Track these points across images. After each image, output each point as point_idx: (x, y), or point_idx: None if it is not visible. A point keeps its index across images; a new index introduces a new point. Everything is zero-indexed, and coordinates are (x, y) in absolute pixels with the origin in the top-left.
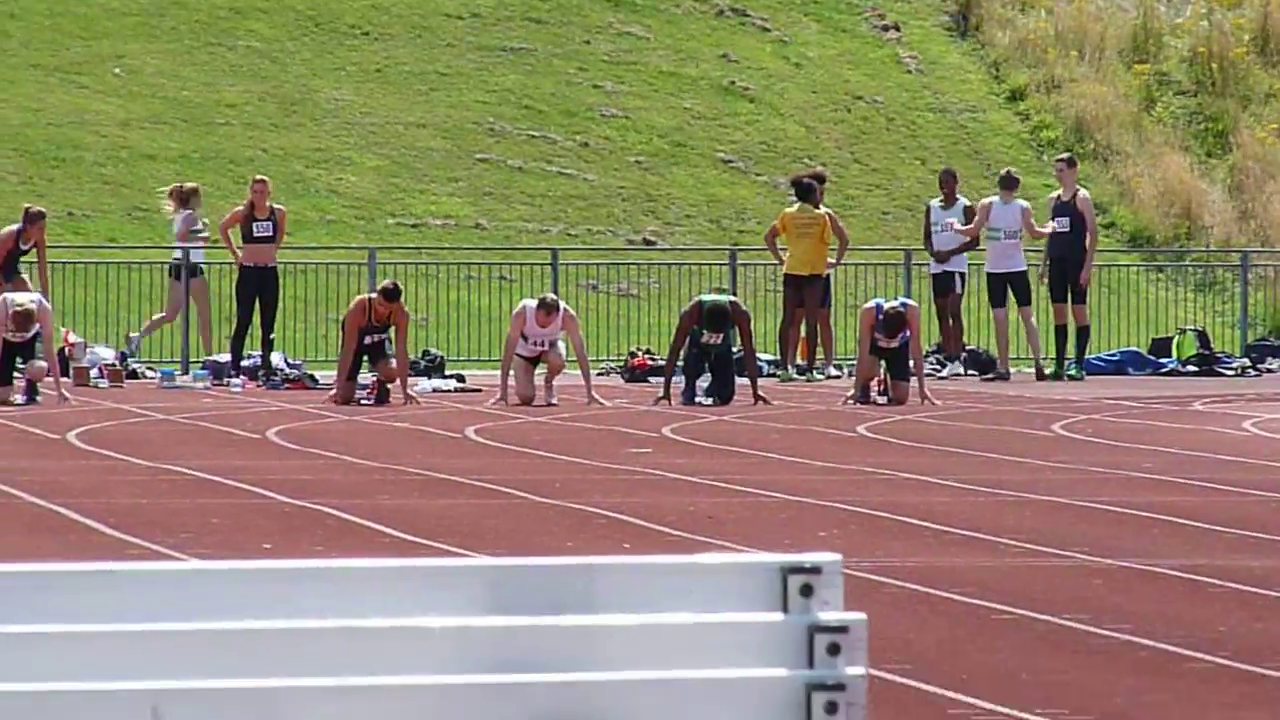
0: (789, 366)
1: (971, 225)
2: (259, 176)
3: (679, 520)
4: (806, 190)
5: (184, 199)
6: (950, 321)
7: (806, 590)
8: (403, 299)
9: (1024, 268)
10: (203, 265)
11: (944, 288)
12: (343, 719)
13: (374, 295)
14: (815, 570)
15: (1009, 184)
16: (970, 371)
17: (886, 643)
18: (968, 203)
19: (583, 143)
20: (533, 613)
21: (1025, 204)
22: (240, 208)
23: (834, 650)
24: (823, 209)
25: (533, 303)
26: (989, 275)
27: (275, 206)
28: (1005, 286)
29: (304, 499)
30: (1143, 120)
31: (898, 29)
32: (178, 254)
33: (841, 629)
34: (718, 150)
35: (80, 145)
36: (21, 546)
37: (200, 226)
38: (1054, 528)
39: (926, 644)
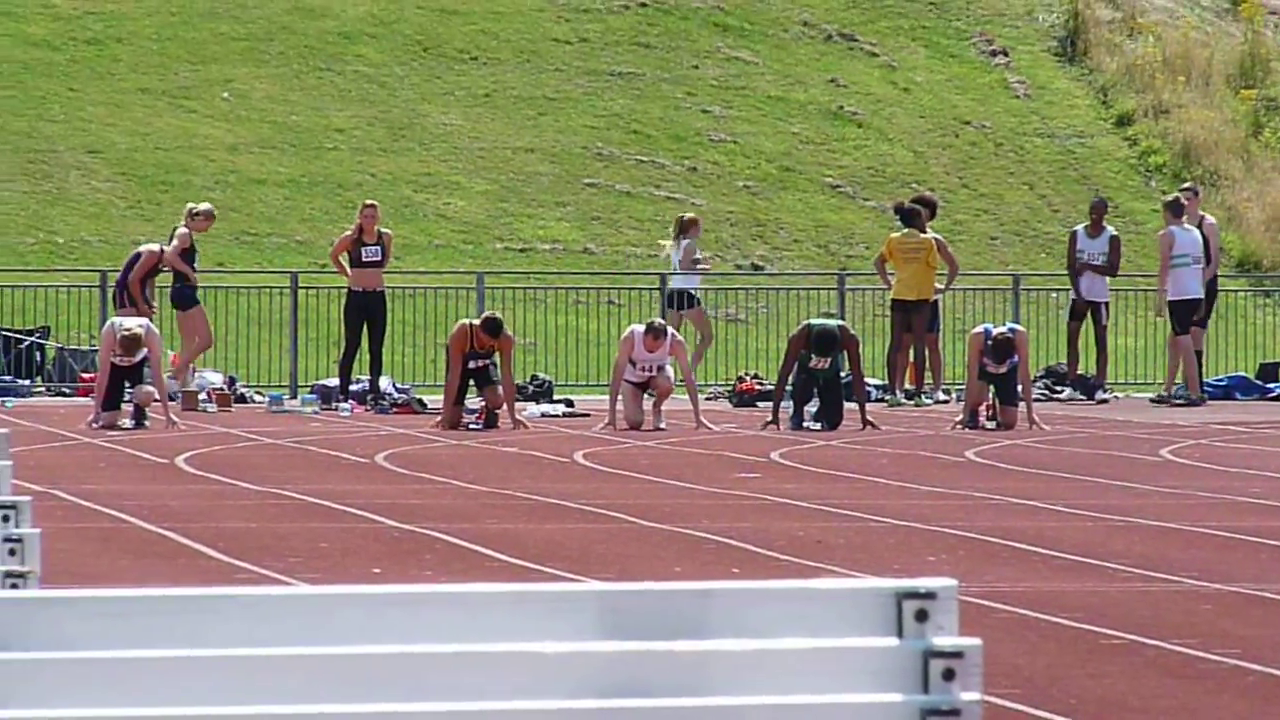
0: (897, 391)
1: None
2: (369, 201)
3: (788, 545)
4: (910, 215)
5: (684, 229)
6: (1099, 353)
7: (921, 615)
8: (506, 329)
9: (1201, 295)
10: (697, 295)
11: (1083, 313)
12: None
13: (475, 322)
14: (930, 595)
15: (1178, 209)
16: (1079, 395)
17: (997, 668)
18: (1114, 232)
19: (691, 167)
20: (647, 638)
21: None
22: (349, 233)
23: (949, 676)
24: (930, 234)
25: (641, 328)
26: (1173, 303)
27: (383, 231)
28: (1187, 313)
29: (413, 523)
30: (1250, 145)
31: (1006, 54)
32: (676, 282)
33: (957, 654)
34: (826, 175)
35: (188, 169)
36: (131, 571)
37: (699, 255)
38: (1163, 552)
39: (1036, 669)
